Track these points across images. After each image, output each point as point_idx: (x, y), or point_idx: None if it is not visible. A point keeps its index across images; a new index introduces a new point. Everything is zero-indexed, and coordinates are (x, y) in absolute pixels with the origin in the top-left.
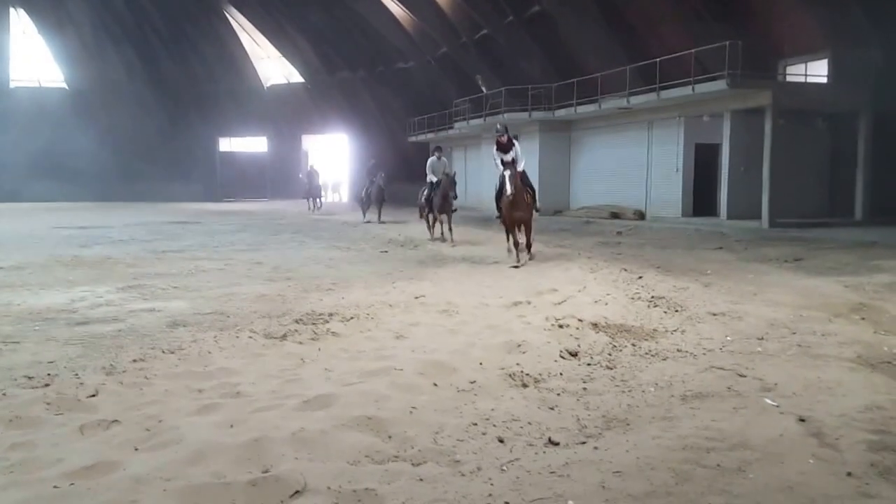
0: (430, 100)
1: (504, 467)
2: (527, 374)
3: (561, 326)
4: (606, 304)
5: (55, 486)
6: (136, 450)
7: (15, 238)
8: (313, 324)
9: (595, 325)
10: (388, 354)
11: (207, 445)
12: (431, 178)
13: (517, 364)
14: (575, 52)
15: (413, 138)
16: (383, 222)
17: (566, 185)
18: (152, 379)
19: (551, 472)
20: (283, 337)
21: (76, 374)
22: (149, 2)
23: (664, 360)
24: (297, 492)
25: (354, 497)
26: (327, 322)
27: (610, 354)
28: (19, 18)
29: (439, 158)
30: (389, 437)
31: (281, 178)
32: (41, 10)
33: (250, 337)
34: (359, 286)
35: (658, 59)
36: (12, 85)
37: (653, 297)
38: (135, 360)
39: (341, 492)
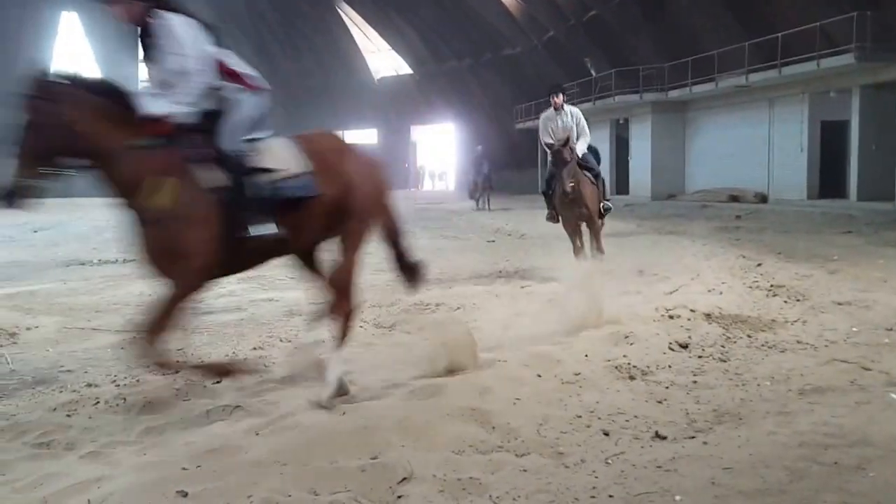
0: (537, 85)
1: (609, 460)
2: (634, 367)
3: (671, 317)
4: (721, 293)
5: (184, 468)
6: (257, 434)
7: None
8: (420, 313)
9: (708, 315)
10: (492, 345)
11: (321, 431)
12: (547, 140)
13: (624, 356)
14: (689, 30)
15: (520, 125)
16: (491, 210)
17: (681, 168)
18: (271, 366)
19: (658, 467)
20: (392, 326)
21: (202, 361)
22: (265, 2)
23: (782, 352)
24: (404, 478)
25: (459, 485)
26: (434, 312)
27: (723, 346)
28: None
29: (558, 111)
30: (493, 427)
31: (390, 169)
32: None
33: (361, 326)
34: (466, 276)
35: (779, 34)
36: (139, 85)
37: (772, 285)
38: (255, 348)
39: (446, 480)
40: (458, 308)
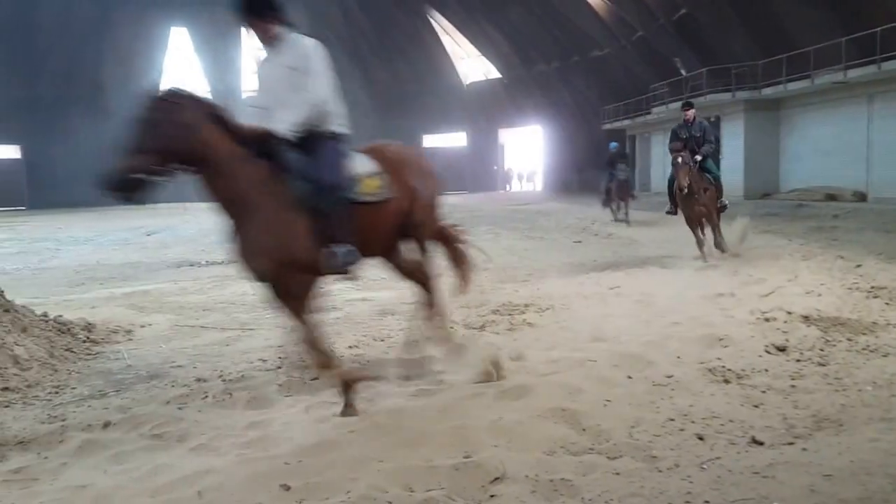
0: (625, 86)
1: (704, 465)
2: (728, 370)
3: (767, 320)
4: (819, 294)
5: (286, 463)
6: (352, 432)
7: None
8: (509, 314)
9: (806, 317)
10: (582, 346)
11: (415, 430)
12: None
13: (718, 359)
14: (783, 26)
15: (608, 125)
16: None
17: (775, 166)
18: (365, 365)
19: (755, 473)
20: (482, 327)
21: (302, 359)
22: (360, 13)
23: (885, 356)
24: (496, 478)
25: (551, 486)
26: (523, 313)
27: (822, 350)
28: (249, 36)
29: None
30: (584, 429)
31: (479, 172)
32: None
33: (450, 327)
34: (553, 277)
35: (878, 29)
36: (244, 96)
37: (873, 287)
38: (350, 347)
39: (538, 480)
40: (548, 309)
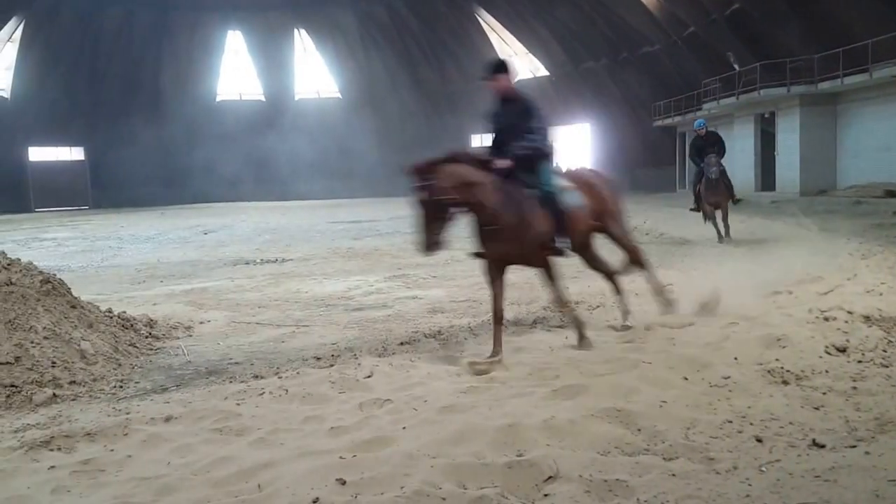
0: (676, 82)
1: (763, 468)
2: (787, 371)
3: (827, 319)
4: (881, 294)
5: (341, 457)
6: (404, 428)
7: (301, 232)
8: (560, 312)
9: (867, 317)
10: (635, 346)
11: (468, 427)
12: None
13: (776, 360)
14: (839, 19)
15: (658, 122)
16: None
17: (832, 162)
18: (417, 362)
19: (816, 477)
20: (533, 324)
21: (354, 356)
22: (408, 12)
23: None
24: (550, 477)
25: (606, 487)
26: (574, 311)
27: (885, 351)
28: (301, 38)
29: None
30: (639, 429)
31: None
32: (319, 30)
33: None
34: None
35: None
36: (296, 98)
37: None
38: (402, 344)
39: (592, 480)
40: (598, 307)
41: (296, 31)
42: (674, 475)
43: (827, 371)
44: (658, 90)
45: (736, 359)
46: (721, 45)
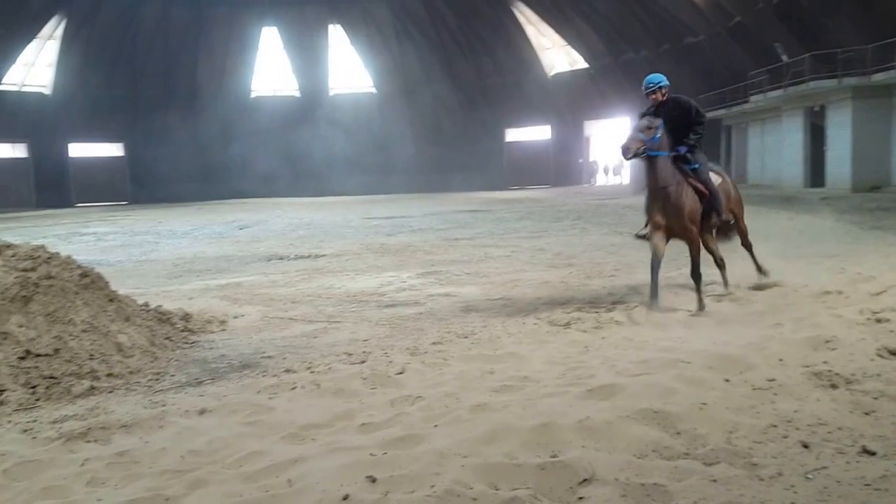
0: (720, 74)
1: (809, 475)
2: (836, 374)
3: (879, 321)
4: None
5: (372, 454)
6: (436, 426)
7: (335, 228)
8: (596, 311)
9: None
10: (673, 346)
11: (500, 426)
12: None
13: (824, 362)
14: (892, 8)
15: None
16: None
17: (886, 157)
18: (449, 360)
19: (866, 485)
20: (567, 324)
21: (386, 353)
22: (443, 5)
23: None
24: (585, 479)
25: (643, 491)
26: (610, 311)
27: None
28: (336, 33)
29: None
30: (678, 432)
31: (563, 165)
32: (354, 25)
33: (535, 324)
34: (642, 273)
35: None
36: (331, 93)
37: None
38: (434, 343)
39: (629, 484)
40: (636, 307)
41: (330, 26)
42: (714, 481)
43: (879, 375)
44: (701, 82)
45: (781, 361)
46: (768, 35)
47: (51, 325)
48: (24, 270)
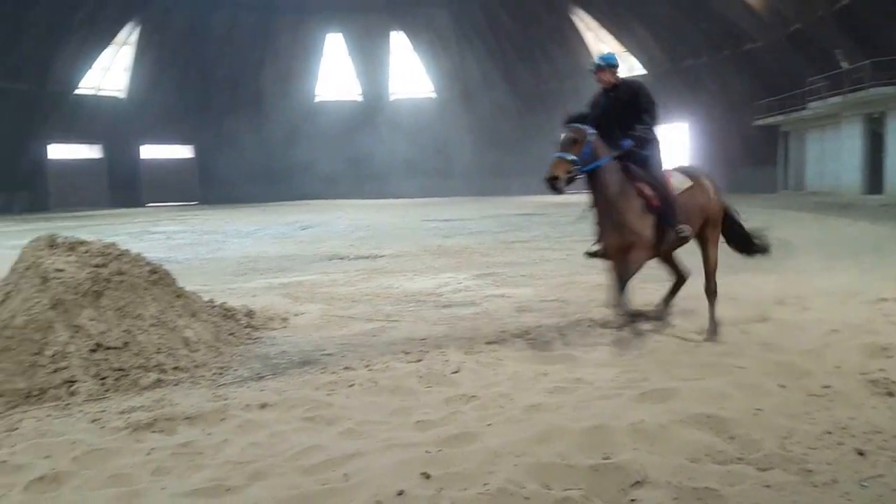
0: (779, 80)
1: (864, 483)
2: (893, 382)
3: None
4: None
5: (427, 451)
6: (489, 425)
7: (394, 230)
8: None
9: None
10: (728, 351)
11: (553, 427)
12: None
13: (881, 370)
14: None
15: (759, 122)
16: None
17: None
18: (504, 360)
19: None
20: (619, 328)
21: (442, 352)
22: (502, 11)
23: None
24: (637, 482)
25: (695, 495)
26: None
27: None
28: (398, 40)
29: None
30: (731, 437)
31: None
32: (416, 31)
33: (589, 326)
34: (696, 276)
35: None
36: (392, 98)
37: None
38: (489, 342)
39: (682, 488)
40: (691, 312)
41: (392, 32)
42: (768, 486)
43: None
44: (760, 88)
45: (838, 367)
46: (828, 41)
47: (121, 320)
48: (97, 266)
